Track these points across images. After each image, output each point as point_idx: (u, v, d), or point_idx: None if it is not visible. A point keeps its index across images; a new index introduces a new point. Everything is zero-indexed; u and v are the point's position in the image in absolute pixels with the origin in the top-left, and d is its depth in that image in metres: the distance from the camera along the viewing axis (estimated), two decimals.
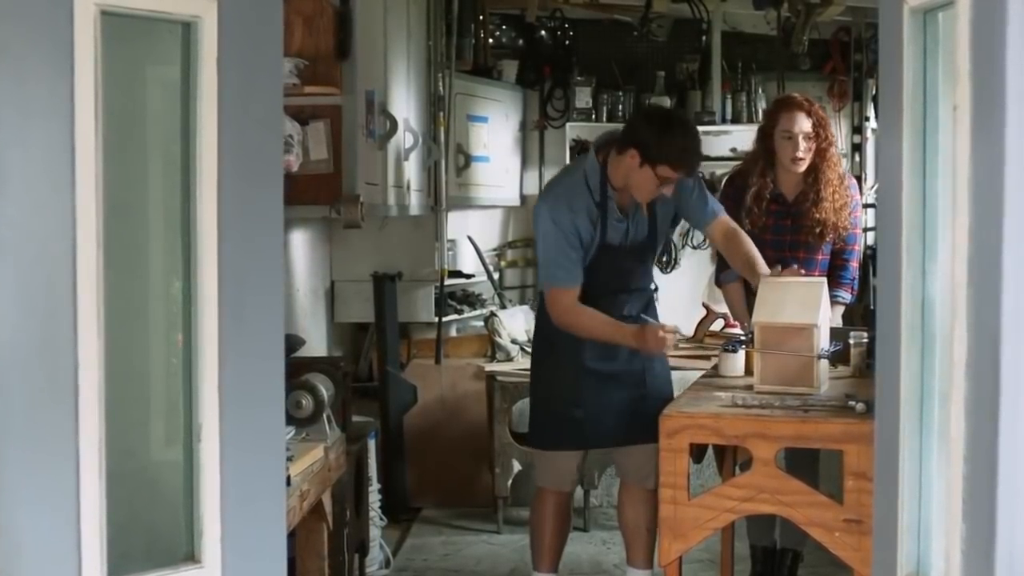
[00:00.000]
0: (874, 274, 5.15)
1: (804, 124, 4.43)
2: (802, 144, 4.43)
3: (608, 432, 4.14)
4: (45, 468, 2.26)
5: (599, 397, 4.11)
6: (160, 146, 2.50)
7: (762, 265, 4.06)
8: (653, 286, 4.35)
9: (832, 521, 3.35)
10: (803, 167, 4.46)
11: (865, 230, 5.88)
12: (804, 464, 4.22)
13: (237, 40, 2.47)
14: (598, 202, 4.01)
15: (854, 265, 4.66)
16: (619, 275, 4.11)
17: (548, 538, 4.28)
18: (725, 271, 4.68)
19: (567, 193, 4.03)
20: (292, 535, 3.63)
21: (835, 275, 4.63)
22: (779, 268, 4.00)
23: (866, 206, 6.07)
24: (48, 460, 2.26)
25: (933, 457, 2.46)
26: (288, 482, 3.21)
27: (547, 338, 4.23)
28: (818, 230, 4.48)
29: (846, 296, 4.66)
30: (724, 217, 4.25)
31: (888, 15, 2.56)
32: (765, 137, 4.56)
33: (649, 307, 4.29)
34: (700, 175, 4.32)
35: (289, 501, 3.17)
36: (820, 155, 4.46)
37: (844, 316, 4.75)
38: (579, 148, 7.04)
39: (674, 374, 4.43)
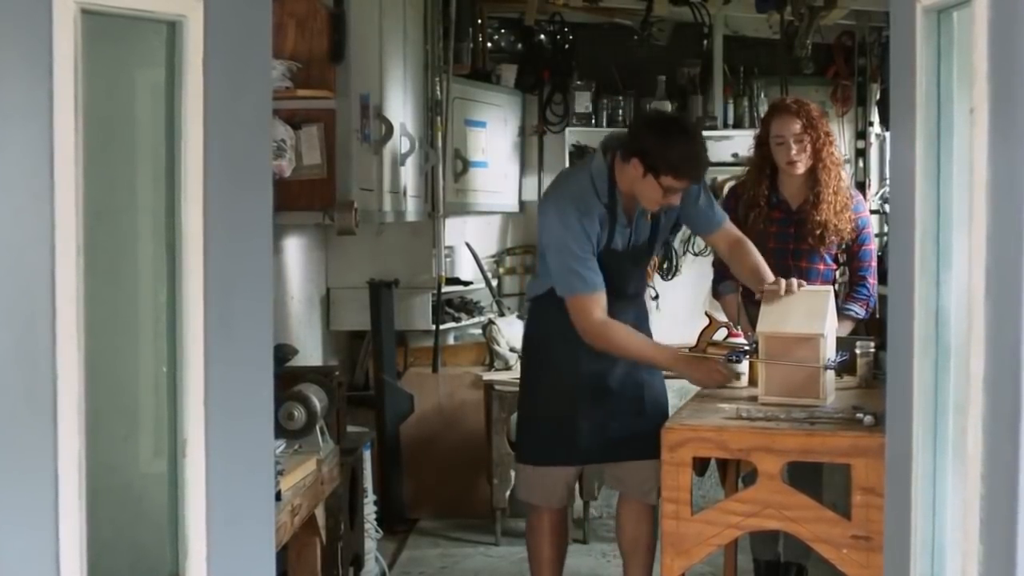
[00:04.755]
0: (883, 283, 5.06)
1: (793, 126, 4.39)
2: (794, 147, 4.39)
3: (604, 448, 4.01)
4: (22, 484, 2.18)
5: (596, 412, 3.98)
6: (144, 150, 2.44)
7: (768, 274, 3.98)
8: (654, 293, 4.25)
9: (839, 537, 3.27)
10: (800, 169, 4.42)
11: None
12: (807, 476, 4.13)
13: (224, 40, 2.40)
14: (606, 204, 3.89)
15: (872, 282, 4.59)
16: (618, 280, 3.97)
17: (546, 558, 4.16)
18: (723, 282, 4.64)
19: (574, 195, 3.88)
20: (284, 550, 3.56)
21: (851, 289, 4.58)
22: (781, 282, 3.90)
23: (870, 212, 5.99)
24: (25, 476, 2.18)
25: (947, 474, 2.38)
26: (278, 497, 3.14)
27: (540, 351, 4.10)
28: (818, 232, 4.42)
29: (860, 312, 4.58)
30: (729, 226, 4.16)
31: (900, 15, 2.49)
32: (761, 145, 4.54)
33: (641, 313, 4.19)
34: (705, 181, 4.21)
35: (280, 516, 3.10)
36: (816, 155, 4.40)
37: None
38: (578, 153, 6.97)
39: (675, 383, 4.34)
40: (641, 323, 4.14)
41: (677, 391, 4.46)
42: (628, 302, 4.08)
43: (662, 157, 3.73)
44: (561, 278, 3.89)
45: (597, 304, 3.85)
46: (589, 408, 3.99)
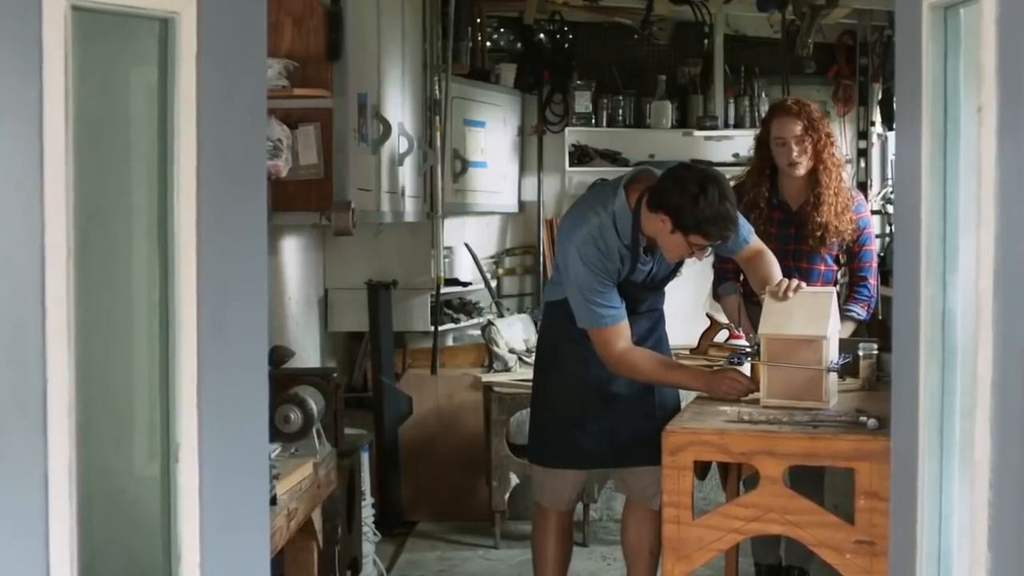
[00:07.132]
0: (884, 284, 5.03)
1: (794, 128, 4.36)
2: (795, 148, 4.37)
3: (613, 453, 4.00)
4: (12, 490, 2.13)
5: (604, 417, 3.97)
6: (136, 149, 2.39)
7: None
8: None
9: (843, 542, 3.23)
10: (802, 170, 4.39)
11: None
12: (809, 480, 4.10)
13: (218, 37, 2.36)
14: (628, 245, 3.84)
15: (872, 283, 4.57)
16: (632, 303, 3.96)
17: (551, 559, 4.17)
18: (723, 283, 4.60)
19: (595, 233, 3.81)
20: (280, 555, 3.52)
21: (852, 290, 4.56)
22: (783, 283, 3.85)
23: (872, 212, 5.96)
24: (15, 481, 2.13)
25: (954, 479, 2.34)
26: (274, 501, 3.10)
27: (551, 353, 4.10)
28: (819, 234, 4.40)
29: (861, 313, 4.55)
30: (754, 242, 4.10)
31: (905, 12, 2.45)
32: (761, 146, 4.52)
33: (658, 325, 4.17)
34: None
35: (275, 521, 3.07)
36: (817, 156, 4.38)
37: None
38: (579, 153, 6.94)
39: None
40: (656, 332, 4.13)
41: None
42: (642, 316, 4.07)
43: (693, 217, 3.66)
44: (582, 312, 3.88)
45: (619, 335, 3.85)
46: (597, 412, 3.98)
